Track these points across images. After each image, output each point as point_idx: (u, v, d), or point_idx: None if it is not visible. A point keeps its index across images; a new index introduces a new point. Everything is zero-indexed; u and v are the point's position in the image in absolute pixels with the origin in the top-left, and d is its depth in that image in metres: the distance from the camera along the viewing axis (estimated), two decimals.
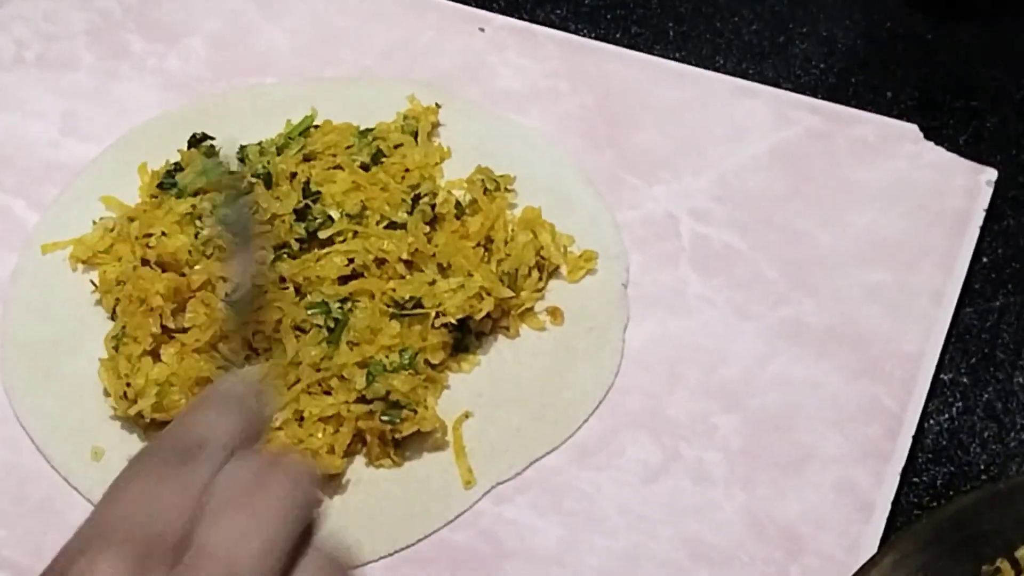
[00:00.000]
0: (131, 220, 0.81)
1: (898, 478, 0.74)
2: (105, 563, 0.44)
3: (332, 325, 0.76)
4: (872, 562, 0.60)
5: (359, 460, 0.75)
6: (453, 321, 0.76)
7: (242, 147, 0.85)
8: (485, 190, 0.83)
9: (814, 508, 0.73)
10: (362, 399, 0.74)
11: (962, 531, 0.62)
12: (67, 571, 0.45)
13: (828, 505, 0.73)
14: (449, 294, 0.77)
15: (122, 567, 0.45)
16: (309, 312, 0.77)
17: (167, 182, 0.83)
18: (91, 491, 0.74)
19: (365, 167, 0.83)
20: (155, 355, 0.76)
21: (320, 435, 0.74)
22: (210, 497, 0.47)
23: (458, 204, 0.82)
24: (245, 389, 0.52)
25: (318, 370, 0.75)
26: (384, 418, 0.74)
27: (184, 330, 0.77)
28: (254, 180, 0.81)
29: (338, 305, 0.77)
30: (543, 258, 0.81)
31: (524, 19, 0.94)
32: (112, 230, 0.81)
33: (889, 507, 0.73)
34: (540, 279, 0.81)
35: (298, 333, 0.76)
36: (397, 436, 0.75)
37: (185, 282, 0.77)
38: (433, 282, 0.77)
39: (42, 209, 0.84)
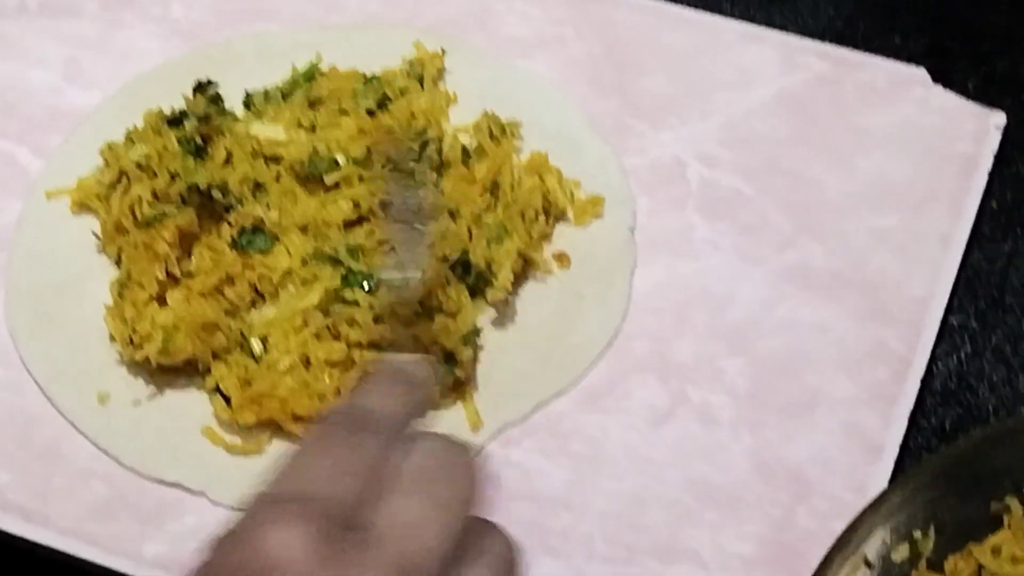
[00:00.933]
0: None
1: (906, 421, 0.73)
2: (298, 538, 0.44)
3: (344, 272, 0.76)
4: (880, 499, 0.60)
5: None
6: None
7: (248, 93, 0.84)
8: (491, 135, 0.82)
9: (821, 451, 0.73)
10: (372, 345, 0.74)
11: (971, 468, 0.62)
12: (258, 543, 0.44)
13: (835, 448, 0.73)
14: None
15: (313, 542, 0.44)
16: (317, 259, 0.76)
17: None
18: (97, 435, 0.74)
19: (371, 113, 0.83)
20: (161, 300, 0.76)
21: (327, 379, 0.73)
22: (391, 477, 0.47)
23: (464, 150, 0.82)
24: (411, 365, 0.53)
25: (326, 314, 0.75)
26: None
27: (190, 275, 0.76)
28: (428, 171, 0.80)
29: (347, 251, 0.77)
30: (549, 202, 0.81)
31: None
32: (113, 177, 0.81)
33: (897, 449, 0.72)
34: (547, 223, 0.80)
35: (304, 277, 0.76)
36: None
37: (190, 227, 0.77)
38: None
39: (46, 156, 0.84)
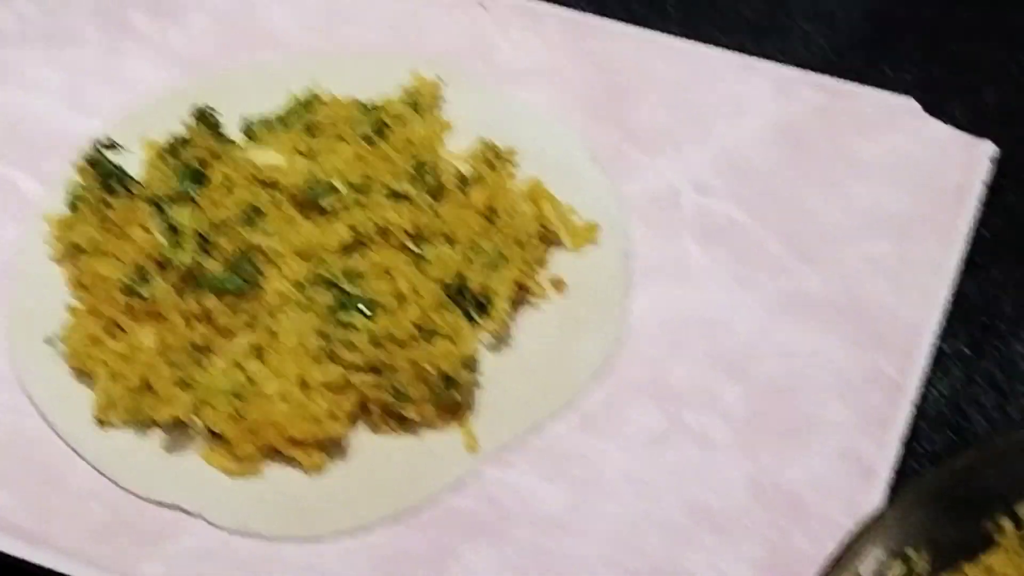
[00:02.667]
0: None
1: (899, 445, 0.74)
2: None
3: (338, 295, 0.76)
4: (875, 518, 0.60)
5: (361, 426, 0.75)
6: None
7: (246, 120, 0.85)
8: (488, 163, 0.83)
9: (817, 474, 0.73)
10: (370, 368, 0.74)
11: (963, 488, 0.62)
12: None
13: (831, 472, 0.73)
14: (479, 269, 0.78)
15: None
16: (314, 283, 0.77)
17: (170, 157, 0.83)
18: (96, 458, 0.74)
19: (368, 140, 0.83)
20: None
21: (322, 401, 0.74)
22: None
23: (461, 177, 0.82)
24: None
25: (324, 337, 0.75)
26: (391, 392, 0.74)
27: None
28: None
29: (344, 275, 0.77)
30: (545, 229, 0.81)
31: None
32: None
33: (891, 473, 0.73)
34: (543, 249, 0.81)
35: (301, 301, 0.76)
36: (401, 412, 0.75)
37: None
38: None
39: (46, 182, 0.84)
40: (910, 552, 0.62)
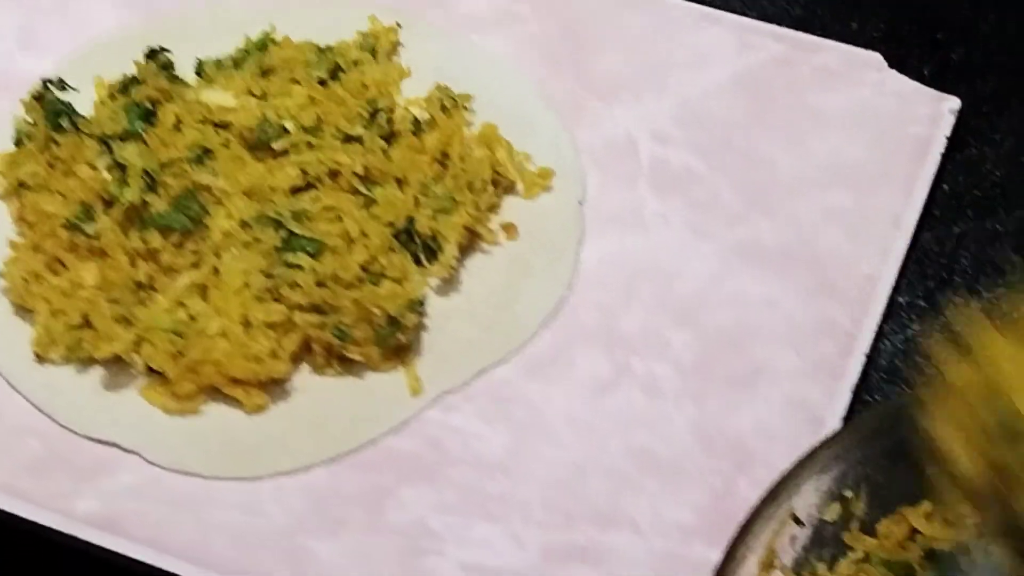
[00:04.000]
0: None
1: (849, 394, 0.73)
2: None
3: (285, 236, 0.75)
4: (810, 454, 0.59)
5: (304, 367, 0.74)
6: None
7: (200, 61, 0.84)
8: (443, 108, 0.82)
9: (764, 422, 0.72)
10: (314, 308, 0.73)
11: (905, 431, 0.61)
12: None
13: (779, 419, 0.72)
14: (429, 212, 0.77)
15: None
16: (260, 223, 0.76)
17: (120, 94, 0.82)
18: (33, 393, 0.73)
19: (322, 83, 0.82)
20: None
21: (265, 341, 0.73)
22: None
23: (416, 121, 0.81)
24: None
25: (269, 276, 0.74)
26: (335, 332, 0.73)
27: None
28: None
29: (292, 216, 0.76)
30: (498, 174, 0.80)
31: None
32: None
33: (840, 422, 0.72)
34: (495, 195, 0.80)
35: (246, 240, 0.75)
36: (345, 353, 0.74)
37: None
38: None
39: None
40: (848, 494, 0.61)
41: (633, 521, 0.69)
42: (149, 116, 0.80)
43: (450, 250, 0.76)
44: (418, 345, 0.75)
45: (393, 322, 0.73)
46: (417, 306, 0.74)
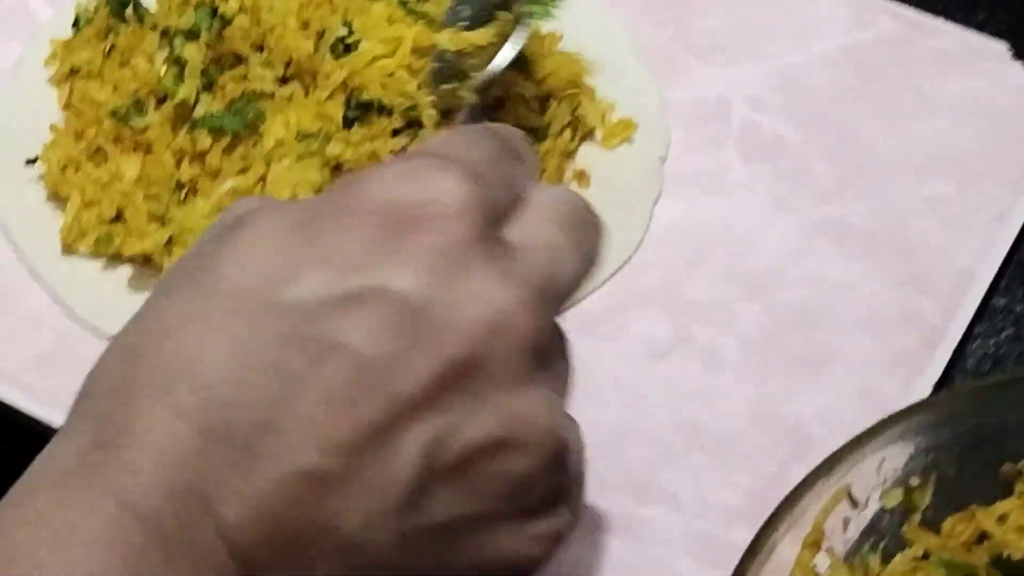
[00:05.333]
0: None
1: (929, 392, 0.66)
2: (466, 195, 0.44)
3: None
4: (874, 429, 0.53)
5: None
6: None
7: None
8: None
9: (829, 409, 0.66)
10: None
11: (981, 423, 0.55)
12: (424, 180, 0.44)
13: (846, 408, 0.66)
14: None
15: (477, 207, 0.44)
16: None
17: None
18: (54, 285, 0.69)
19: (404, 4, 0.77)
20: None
21: None
22: (530, 202, 0.47)
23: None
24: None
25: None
26: None
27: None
28: None
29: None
30: (578, 119, 0.75)
31: None
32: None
33: None
34: (571, 140, 0.74)
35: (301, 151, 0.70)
36: None
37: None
38: None
39: (59, 5, 0.79)
40: (913, 481, 0.55)
41: (673, 497, 0.64)
42: (218, 16, 0.75)
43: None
44: None
45: None
46: None
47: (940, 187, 0.74)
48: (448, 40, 0.70)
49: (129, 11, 0.75)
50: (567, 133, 0.74)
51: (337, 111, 0.71)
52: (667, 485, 0.64)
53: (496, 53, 0.68)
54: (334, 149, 0.70)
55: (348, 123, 0.71)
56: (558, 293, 0.46)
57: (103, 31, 0.75)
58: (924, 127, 0.77)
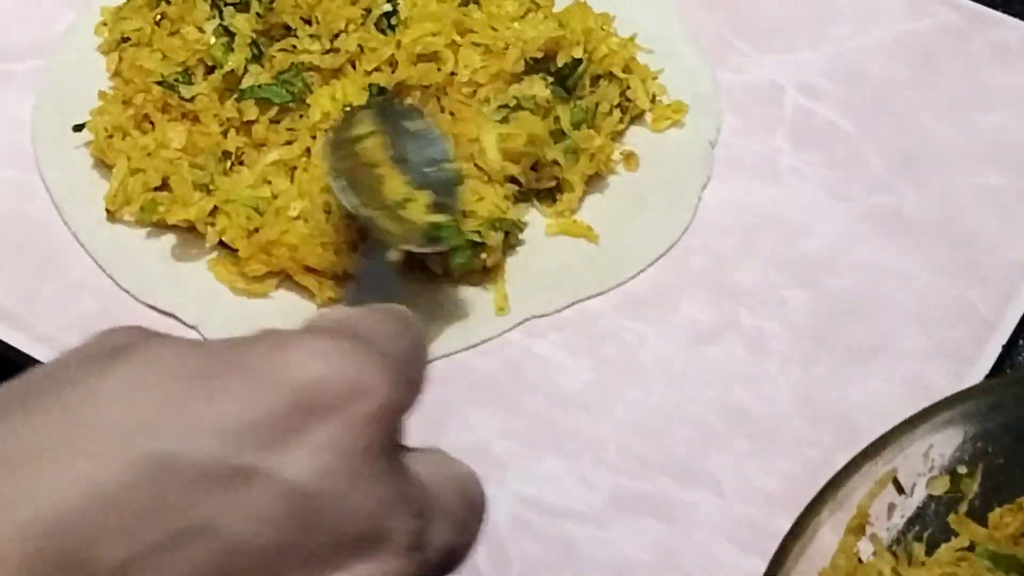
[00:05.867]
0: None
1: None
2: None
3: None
4: (923, 414, 0.52)
5: None
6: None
7: None
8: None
9: (877, 399, 0.65)
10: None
11: None
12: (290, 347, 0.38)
13: (893, 399, 0.65)
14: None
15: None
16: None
17: None
18: (98, 250, 0.69)
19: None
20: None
21: (346, 231, 0.67)
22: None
23: None
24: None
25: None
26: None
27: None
28: None
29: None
30: (628, 100, 0.74)
31: None
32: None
33: None
34: (621, 122, 0.74)
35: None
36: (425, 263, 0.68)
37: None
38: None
39: None
40: (961, 469, 0.53)
41: (715, 480, 0.63)
42: None
43: (571, 199, 0.71)
44: (503, 266, 0.69)
45: (473, 242, 0.67)
46: (507, 226, 0.68)
47: (995, 179, 0.73)
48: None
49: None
50: (616, 114, 0.73)
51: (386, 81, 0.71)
52: (710, 469, 0.63)
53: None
54: None
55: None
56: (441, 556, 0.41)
57: (154, 0, 0.75)
58: (981, 118, 0.75)
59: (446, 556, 0.41)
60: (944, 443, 0.52)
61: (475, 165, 0.69)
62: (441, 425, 0.64)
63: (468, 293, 0.68)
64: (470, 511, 0.43)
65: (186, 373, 0.38)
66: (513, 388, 0.65)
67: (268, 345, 0.38)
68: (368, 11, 0.73)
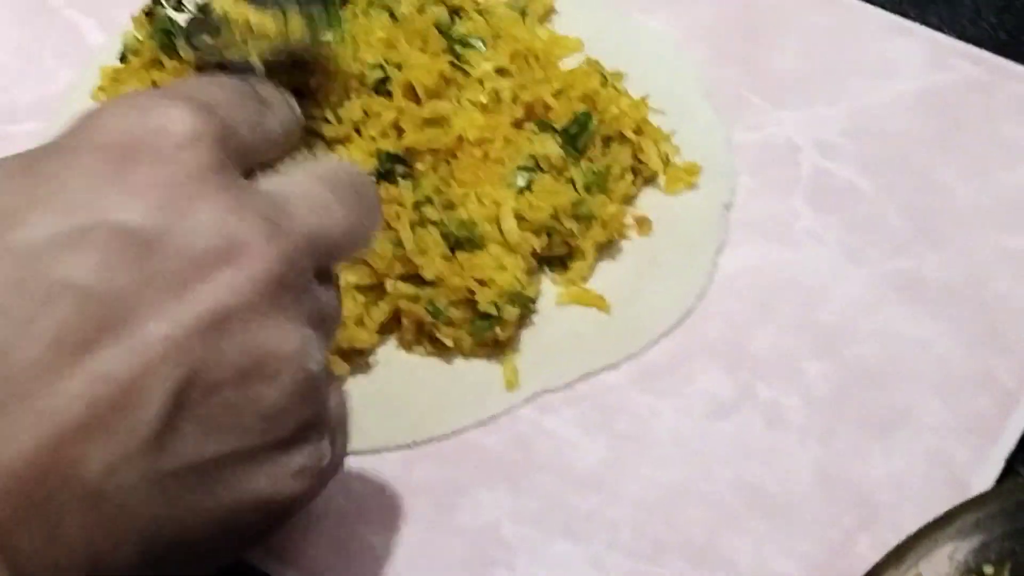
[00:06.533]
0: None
1: (1003, 463, 0.63)
2: (197, 125, 0.43)
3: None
4: (950, 515, 0.50)
5: (391, 341, 0.67)
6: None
7: None
8: None
9: (898, 476, 0.63)
10: (409, 278, 0.66)
11: None
12: (152, 111, 0.43)
13: (915, 476, 0.63)
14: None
15: (213, 143, 0.44)
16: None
17: None
18: None
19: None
20: None
21: (352, 305, 0.65)
22: (295, 162, 0.48)
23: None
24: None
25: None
26: (429, 308, 0.65)
27: None
28: None
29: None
30: (641, 162, 0.72)
31: None
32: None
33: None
34: (633, 184, 0.72)
35: None
36: (435, 334, 0.66)
37: None
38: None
39: (112, 30, 0.78)
40: (988, 570, 0.51)
41: (731, 563, 0.61)
42: None
43: (583, 267, 0.69)
44: (515, 341, 0.67)
45: (489, 315, 0.65)
46: (523, 301, 0.66)
47: (1019, 239, 0.71)
48: (251, 16, 0.61)
49: (182, 42, 0.73)
50: (628, 177, 0.71)
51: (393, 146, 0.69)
52: (726, 551, 0.61)
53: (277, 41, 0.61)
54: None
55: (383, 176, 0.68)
56: (325, 244, 0.45)
57: (150, 62, 0.73)
58: (1005, 177, 0.73)
59: (328, 237, 0.45)
60: (969, 544, 0.50)
61: (498, 228, 0.67)
62: (451, 506, 0.62)
63: (478, 366, 0.66)
64: (340, 191, 0.46)
65: (20, 166, 0.42)
66: (524, 467, 0.64)
67: (83, 118, 0.43)
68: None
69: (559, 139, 0.70)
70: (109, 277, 0.40)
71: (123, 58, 0.74)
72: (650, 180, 0.73)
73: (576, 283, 0.69)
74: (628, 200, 0.72)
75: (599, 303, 0.68)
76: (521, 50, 0.73)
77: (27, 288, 0.40)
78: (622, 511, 0.62)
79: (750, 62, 0.78)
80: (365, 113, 0.69)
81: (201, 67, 0.61)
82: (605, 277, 0.70)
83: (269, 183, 0.44)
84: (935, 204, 0.72)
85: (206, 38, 0.61)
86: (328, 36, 0.63)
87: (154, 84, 0.72)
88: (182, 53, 0.64)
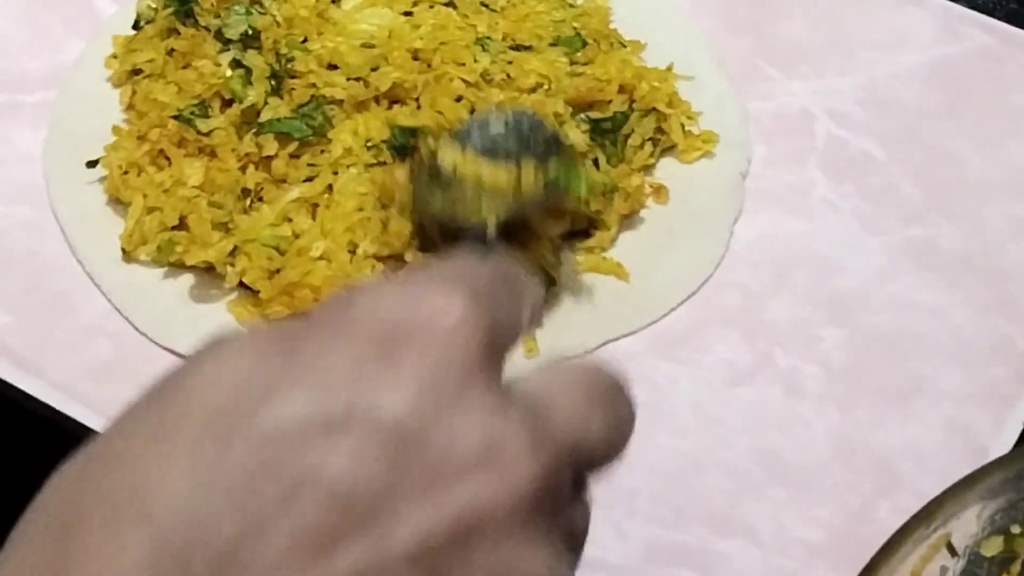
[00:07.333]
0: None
1: (1021, 427, 0.64)
2: (466, 308, 0.38)
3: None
4: (978, 474, 0.50)
5: None
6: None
7: None
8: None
9: (917, 443, 0.63)
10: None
11: None
12: (418, 298, 0.38)
13: (934, 443, 0.63)
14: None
15: (482, 327, 0.38)
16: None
17: None
18: (113, 291, 0.67)
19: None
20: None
21: (370, 272, 0.65)
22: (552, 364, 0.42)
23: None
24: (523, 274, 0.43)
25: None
26: None
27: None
28: None
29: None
30: (662, 132, 0.72)
31: None
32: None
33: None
34: (652, 155, 0.72)
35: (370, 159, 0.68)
36: None
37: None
38: None
39: (121, 1, 0.77)
40: (1015, 529, 0.51)
41: (752, 530, 0.61)
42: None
43: (605, 237, 0.69)
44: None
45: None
46: (550, 268, 0.66)
47: None
48: (483, 170, 0.62)
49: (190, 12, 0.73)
50: (647, 147, 0.71)
51: (406, 119, 0.69)
52: (746, 518, 0.61)
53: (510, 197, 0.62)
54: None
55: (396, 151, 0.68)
56: (584, 457, 0.40)
57: (164, 31, 0.73)
58: (1016, 146, 0.74)
59: (587, 449, 0.41)
60: (996, 503, 0.50)
61: None
62: None
63: None
64: (597, 399, 0.42)
65: (273, 343, 0.38)
66: None
67: (346, 297, 0.39)
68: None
69: (584, 126, 0.70)
70: (363, 472, 0.37)
71: (136, 26, 0.73)
72: (667, 149, 0.73)
73: (595, 251, 0.69)
74: (647, 169, 0.72)
75: (618, 271, 0.68)
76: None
77: (272, 476, 0.37)
78: (641, 479, 0.62)
79: (761, 32, 0.78)
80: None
81: (426, 223, 0.61)
82: (623, 246, 0.69)
83: (527, 384, 0.41)
84: (948, 173, 0.73)
85: (438, 193, 0.60)
86: (580, 191, 0.63)
87: (168, 53, 0.71)
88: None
